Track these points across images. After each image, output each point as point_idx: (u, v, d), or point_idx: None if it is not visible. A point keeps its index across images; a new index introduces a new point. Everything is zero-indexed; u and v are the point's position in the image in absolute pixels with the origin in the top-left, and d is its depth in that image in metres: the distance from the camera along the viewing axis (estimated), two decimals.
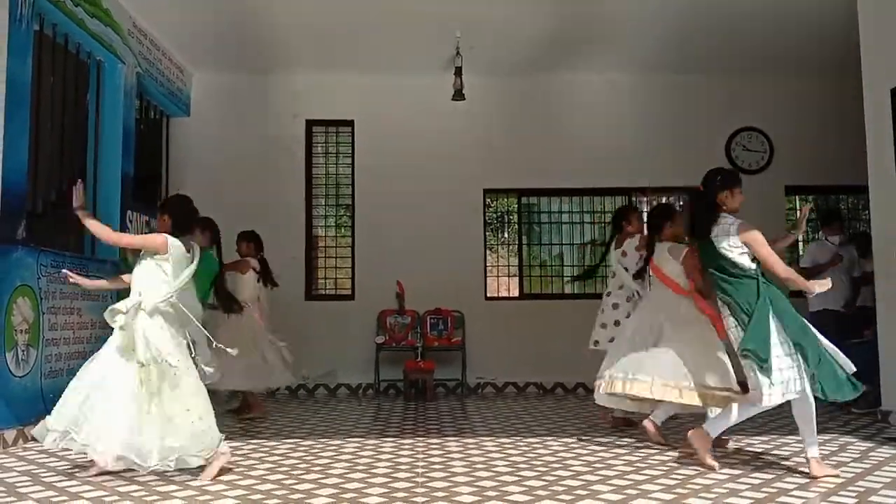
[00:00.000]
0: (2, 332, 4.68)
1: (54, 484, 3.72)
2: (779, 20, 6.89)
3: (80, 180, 4.33)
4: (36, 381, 5.03)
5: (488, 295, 8.35)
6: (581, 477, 3.82)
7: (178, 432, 3.71)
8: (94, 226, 4.11)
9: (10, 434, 4.72)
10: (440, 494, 3.46)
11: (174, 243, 4.06)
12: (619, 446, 4.70)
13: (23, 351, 4.90)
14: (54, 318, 5.29)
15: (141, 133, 7.17)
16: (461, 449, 4.61)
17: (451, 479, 3.79)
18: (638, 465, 4.13)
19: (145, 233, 6.87)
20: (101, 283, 4.48)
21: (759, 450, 4.54)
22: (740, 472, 3.93)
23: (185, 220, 4.24)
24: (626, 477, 3.81)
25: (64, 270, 4.26)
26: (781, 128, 8.38)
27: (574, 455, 4.41)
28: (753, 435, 5.03)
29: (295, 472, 3.95)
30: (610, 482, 3.70)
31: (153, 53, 7.12)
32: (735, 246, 3.96)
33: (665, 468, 4.03)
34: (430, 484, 3.68)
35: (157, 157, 7.85)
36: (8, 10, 4.78)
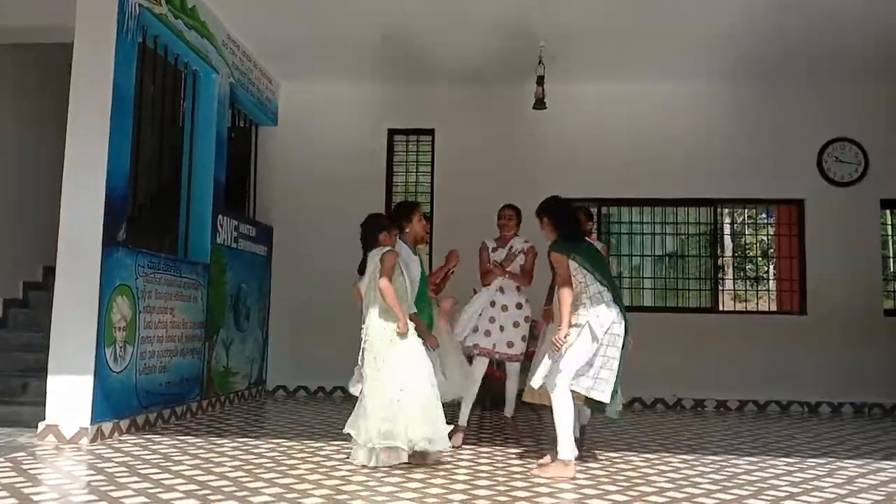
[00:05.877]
0: (102, 329, 4.93)
1: (150, 476, 3.88)
2: (872, 26, 6.61)
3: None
4: (131, 376, 5.26)
5: None
6: (666, 493, 3.75)
7: None
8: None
9: (107, 426, 4.95)
10: None
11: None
12: (703, 463, 4.59)
13: (120, 347, 5.14)
14: (150, 316, 5.53)
15: (232, 141, 7.44)
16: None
17: (532, 489, 3.78)
18: (724, 483, 4.03)
19: (235, 237, 7.11)
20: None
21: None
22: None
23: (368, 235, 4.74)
24: (712, 495, 3.72)
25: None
26: (877, 138, 8.01)
27: (657, 472, 4.32)
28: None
29: (377, 475, 4.01)
30: (696, 500, 3.62)
31: (245, 64, 7.37)
32: None
33: (753, 488, 3.91)
34: (511, 493, 3.67)
35: (246, 165, 8.12)
36: (116, 23, 5.06)
